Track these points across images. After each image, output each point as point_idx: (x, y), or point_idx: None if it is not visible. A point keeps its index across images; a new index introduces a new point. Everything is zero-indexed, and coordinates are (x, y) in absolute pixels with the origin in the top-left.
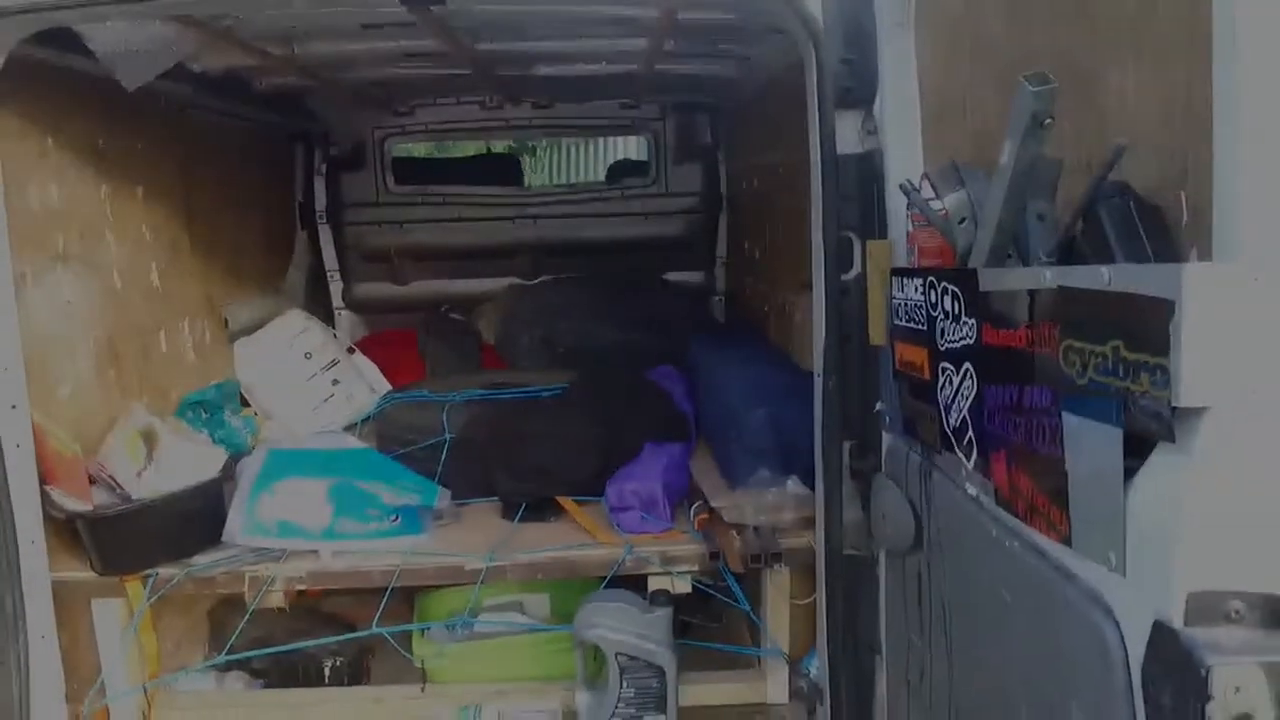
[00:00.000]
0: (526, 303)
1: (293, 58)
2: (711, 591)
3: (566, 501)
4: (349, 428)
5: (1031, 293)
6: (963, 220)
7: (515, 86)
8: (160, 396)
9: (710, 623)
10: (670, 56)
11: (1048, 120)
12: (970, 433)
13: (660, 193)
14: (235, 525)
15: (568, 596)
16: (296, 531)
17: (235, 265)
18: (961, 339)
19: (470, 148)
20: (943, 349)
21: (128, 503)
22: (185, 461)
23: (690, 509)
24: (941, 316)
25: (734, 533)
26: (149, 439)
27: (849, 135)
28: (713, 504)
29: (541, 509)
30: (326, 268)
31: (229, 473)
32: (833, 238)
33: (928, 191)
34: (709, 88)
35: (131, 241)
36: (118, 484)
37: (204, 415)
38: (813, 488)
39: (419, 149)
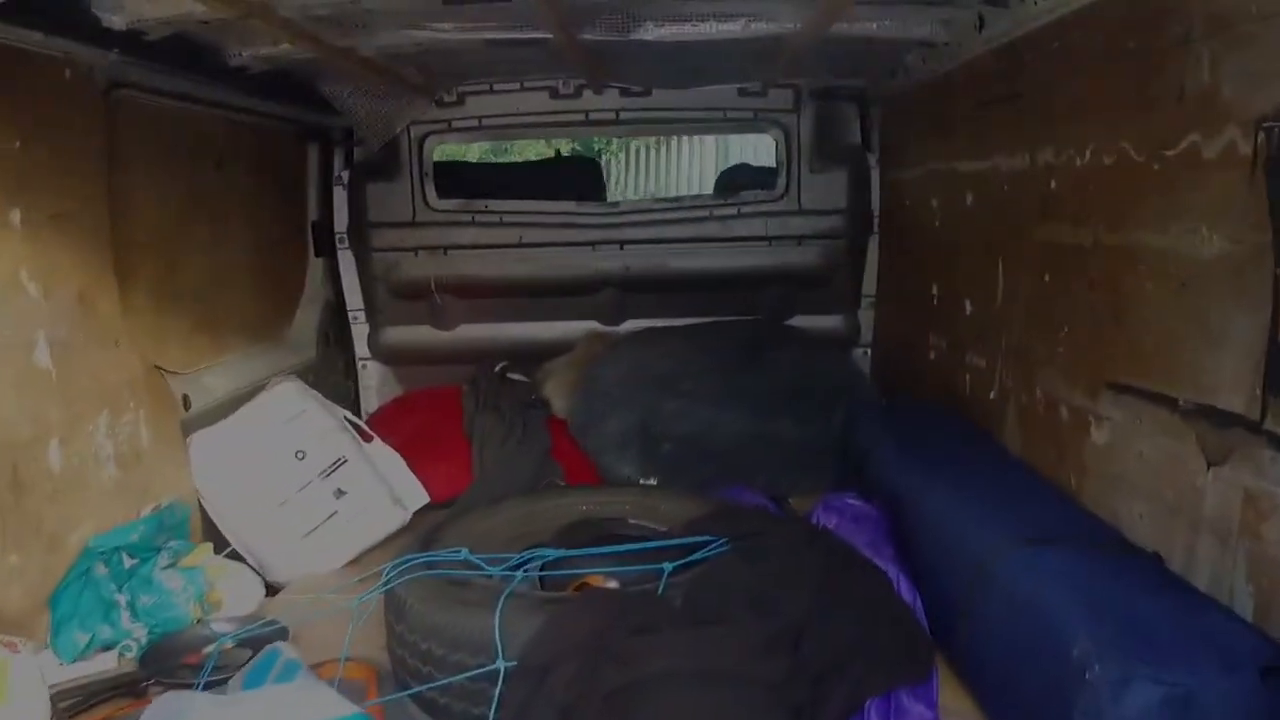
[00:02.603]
0: (615, 367)
1: (272, 4)
2: None
3: None
4: (356, 561)
5: None
6: None
7: (604, 61)
8: (49, 548)
9: None
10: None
11: None
12: None
13: (791, 209)
14: None
15: None
16: None
17: (211, 312)
18: None
19: (536, 150)
20: None
21: None
22: None
23: None
24: None
25: None
26: None
27: None
28: None
29: None
30: (348, 306)
31: None
32: None
33: None
34: (871, 65)
35: None
36: None
37: (127, 565)
38: None
39: (469, 152)
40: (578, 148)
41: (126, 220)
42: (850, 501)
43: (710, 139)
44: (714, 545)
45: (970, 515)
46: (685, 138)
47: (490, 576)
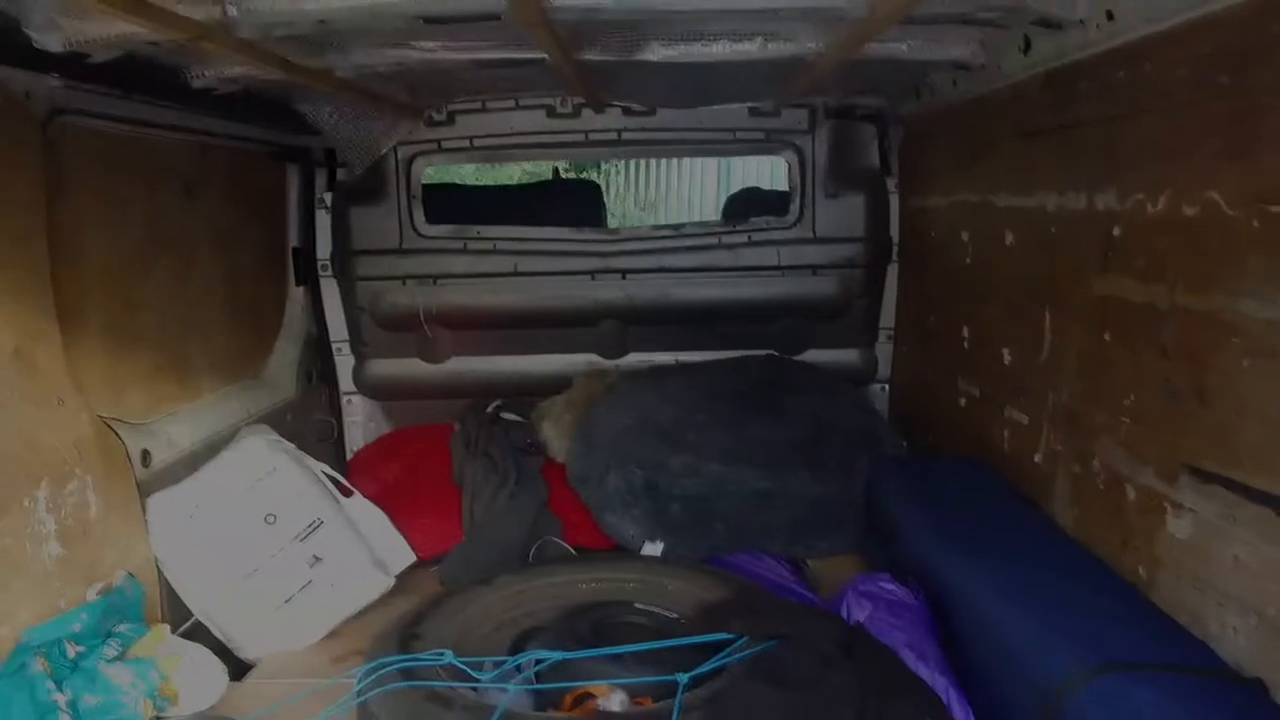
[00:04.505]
0: (615, 416)
1: (228, 25)
2: None
3: None
4: (335, 633)
5: None
6: None
7: (605, 80)
8: None
9: None
10: (909, 25)
11: None
12: None
13: (805, 237)
14: None
15: None
16: None
17: (177, 353)
18: None
19: (522, 170)
20: None
21: None
22: None
23: None
24: None
25: None
26: None
27: None
28: None
29: None
30: (332, 338)
31: None
32: None
33: None
34: (893, 84)
35: None
36: None
37: (70, 654)
38: None
39: (460, 174)
40: (566, 166)
41: (75, 260)
42: (885, 586)
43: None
44: (734, 647)
45: (1032, 624)
46: None
47: (478, 689)
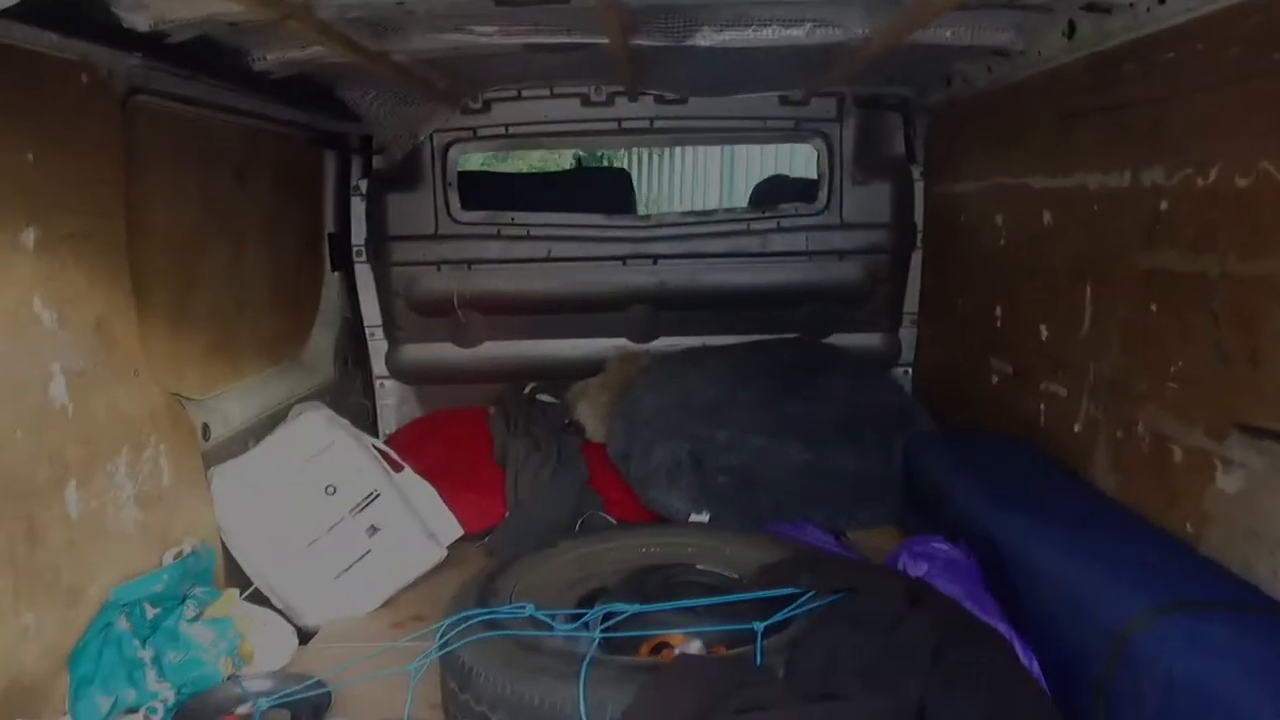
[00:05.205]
0: (656, 393)
1: (310, 6)
2: None
3: None
4: (390, 602)
5: None
6: None
7: (646, 66)
8: (68, 603)
9: None
10: (957, 11)
11: None
12: None
13: (833, 223)
14: None
15: None
16: None
17: (228, 333)
18: None
19: (565, 160)
20: None
21: None
22: None
23: None
24: None
25: None
26: None
27: None
28: None
29: None
30: (366, 322)
31: None
32: None
33: None
34: (923, 72)
35: (5, 337)
36: None
37: (149, 619)
38: None
39: (495, 161)
40: (581, 153)
41: (144, 238)
42: (938, 546)
43: None
44: (803, 599)
45: (1095, 570)
46: None
47: (560, 637)
